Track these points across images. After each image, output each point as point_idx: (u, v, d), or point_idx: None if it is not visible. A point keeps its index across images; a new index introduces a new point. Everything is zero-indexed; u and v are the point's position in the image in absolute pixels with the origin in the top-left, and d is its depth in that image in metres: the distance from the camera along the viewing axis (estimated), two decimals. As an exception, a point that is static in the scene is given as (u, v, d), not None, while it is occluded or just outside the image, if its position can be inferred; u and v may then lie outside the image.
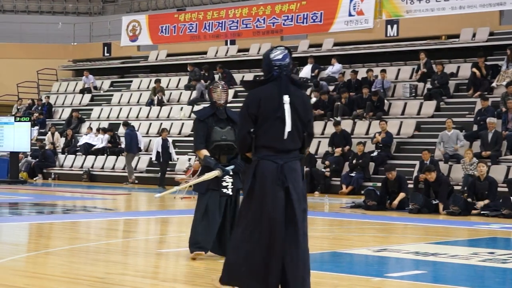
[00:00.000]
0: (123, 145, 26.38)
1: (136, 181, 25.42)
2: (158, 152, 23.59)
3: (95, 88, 33.15)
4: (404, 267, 8.85)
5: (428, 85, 23.94)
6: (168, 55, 32.66)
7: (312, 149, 22.21)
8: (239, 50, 30.24)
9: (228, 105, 9.06)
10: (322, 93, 24.82)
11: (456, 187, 17.62)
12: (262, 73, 6.46)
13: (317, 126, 24.26)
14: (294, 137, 6.22)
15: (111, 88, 33.12)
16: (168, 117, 28.68)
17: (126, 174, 25.73)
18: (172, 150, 23.78)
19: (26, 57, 35.01)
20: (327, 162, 22.04)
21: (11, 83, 34.13)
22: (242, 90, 25.94)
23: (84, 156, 27.96)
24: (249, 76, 27.88)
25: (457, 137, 20.49)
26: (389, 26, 26.27)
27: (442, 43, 25.81)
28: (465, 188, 16.47)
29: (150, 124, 28.60)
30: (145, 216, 15.17)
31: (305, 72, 26.83)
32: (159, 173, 23.94)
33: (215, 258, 8.65)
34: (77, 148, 28.60)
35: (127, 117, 29.57)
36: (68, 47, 36.21)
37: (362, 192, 18.87)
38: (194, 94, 28.79)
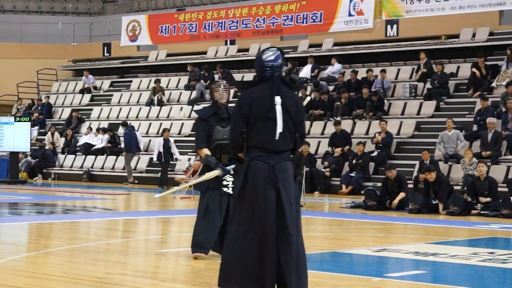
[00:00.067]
0: (123, 145, 26.37)
1: (136, 181, 25.42)
2: (159, 152, 23.56)
3: (95, 88, 33.15)
4: (404, 267, 8.86)
5: (428, 85, 23.94)
6: (168, 55, 32.66)
7: (312, 149, 22.21)
8: (239, 50, 30.24)
9: (230, 104, 9.07)
10: (322, 93, 24.82)
11: (456, 187, 17.61)
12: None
13: (317, 126, 24.29)
14: (286, 138, 6.24)
15: (111, 88, 33.13)
16: (168, 117, 28.68)
17: (125, 174, 25.73)
18: (174, 150, 23.72)
19: (26, 57, 35.01)
20: (326, 163, 22.05)
21: (11, 83, 34.12)
22: (242, 90, 25.90)
23: (84, 156, 27.96)
24: (249, 76, 27.86)
25: (457, 137, 20.49)
26: (389, 26, 26.27)
27: (442, 43, 25.81)
28: (465, 188, 16.46)
29: (150, 124, 28.60)
30: (145, 216, 15.17)
31: (305, 72, 26.83)
32: (160, 173, 23.92)
33: (215, 258, 8.64)
34: (77, 148, 28.60)
35: (127, 117, 29.58)
36: (68, 47, 36.22)
37: (362, 192, 18.87)
38: (194, 94, 28.79)
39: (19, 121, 25.96)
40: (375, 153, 21.77)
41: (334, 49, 27.89)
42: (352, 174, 21.37)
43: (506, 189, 17.12)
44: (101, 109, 31.19)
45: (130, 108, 30.22)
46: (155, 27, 30.06)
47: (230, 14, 27.95)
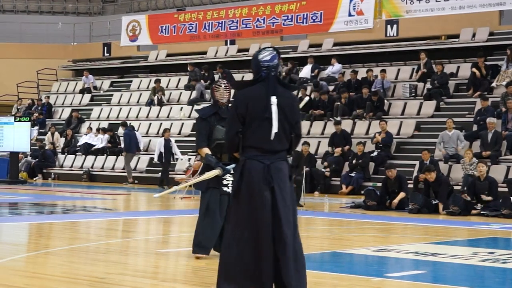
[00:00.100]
0: (123, 145, 26.38)
1: (136, 181, 25.42)
2: (160, 153, 23.53)
3: (95, 88, 33.15)
4: (404, 267, 8.86)
5: (428, 85, 23.94)
6: (168, 55, 32.66)
7: (312, 149, 22.21)
8: (239, 50, 30.24)
9: (230, 104, 9.07)
10: (322, 93, 24.83)
11: (456, 187, 17.61)
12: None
13: (317, 126, 24.29)
14: (281, 138, 6.26)
15: (111, 88, 33.13)
16: (168, 117, 28.68)
17: (125, 174, 25.74)
18: (176, 150, 23.69)
19: (26, 57, 35.02)
20: (325, 163, 22.05)
21: (11, 83, 34.13)
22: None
23: (84, 156, 27.96)
24: (249, 76, 27.82)
25: (457, 138, 20.48)
26: (389, 26, 26.27)
27: (442, 43, 25.82)
28: (465, 188, 16.46)
29: (150, 124, 28.60)
30: (145, 216, 15.17)
31: (305, 72, 26.83)
32: (160, 173, 23.90)
33: (216, 258, 8.62)
34: (77, 148, 28.61)
35: (127, 117, 29.58)
36: (68, 47, 36.22)
37: (362, 192, 18.87)
38: (194, 94, 28.79)
39: (19, 121, 25.96)
40: (375, 153, 21.77)
41: (334, 49, 27.90)
42: (352, 174, 21.37)
43: (506, 189, 17.12)
44: (101, 109, 31.19)
45: (130, 108, 30.22)
46: (155, 27, 30.07)
47: (230, 14, 27.96)
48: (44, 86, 35.04)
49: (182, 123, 27.59)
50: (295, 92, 26.39)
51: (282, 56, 28.19)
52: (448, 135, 20.61)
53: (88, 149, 27.98)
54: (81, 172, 27.20)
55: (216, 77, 28.13)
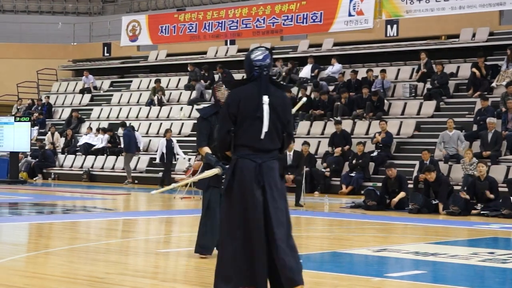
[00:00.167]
0: (122, 145, 26.38)
1: (136, 181, 25.42)
2: (162, 153, 23.48)
3: (95, 88, 33.15)
4: (404, 267, 8.86)
5: (428, 85, 23.94)
6: (168, 55, 32.66)
7: (312, 149, 22.21)
8: (239, 50, 30.23)
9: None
10: (322, 93, 24.83)
11: (456, 187, 17.60)
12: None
13: (317, 126, 24.29)
14: (273, 137, 6.30)
15: (111, 88, 33.13)
16: (168, 117, 28.68)
17: (126, 174, 25.75)
18: (178, 150, 23.65)
19: (26, 57, 35.02)
20: (324, 164, 22.04)
21: (11, 83, 34.13)
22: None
23: (84, 156, 27.96)
24: (249, 76, 27.83)
25: (458, 138, 20.48)
26: (389, 26, 26.27)
27: (442, 43, 25.81)
28: (465, 188, 16.46)
29: (150, 124, 28.60)
30: (144, 216, 15.17)
31: (305, 72, 26.83)
32: (162, 173, 23.83)
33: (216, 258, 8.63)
34: (77, 148, 28.61)
35: (127, 117, 29.59)
36: (68, 47, 36.22)
37: (362, 192, 18.87)
38: (194, 94, 28.79)
39: (19, 121, 25.96)
40: (375, 153, 21.77)
41: (334, 49, 27.89)
42: (352, 174, 21.37)
43: (506, 189, 17.11)
44: (101, 109, 31.19)
45: (130, 108, 30.22)
46: (155, 27, 30.07)
47: (230, 14, 27.96)
48: (44, 86, 35.04)
49: (182, 123, 27.59)
50: (295, 93, 26.53)
51: (282, 56, 28.54)
52: (449, 135, 20.60)
53: (88, 149, 27.98)
54: (81, 172, 27.20)
55: (216, 77, 28.15)
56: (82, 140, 28.71)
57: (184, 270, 8.39)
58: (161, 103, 29.35)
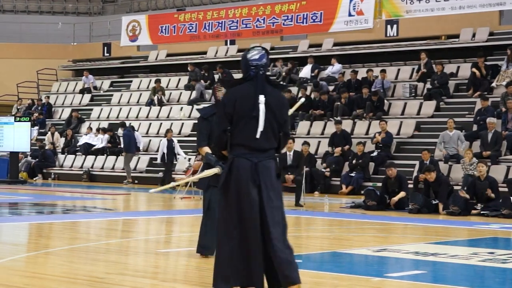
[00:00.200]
0: (122, 145, 26.37)
1: (136, 181, 25.42)
2: (163, 153, 23.45)
3: (95, 88, 33.15)
4: (404, 267, 8.86)
5: (428, 85, 23.94)
6: (168, 55, 32.66)
7: (312, 149, 22.21)
8: (239, 50, 30.21)
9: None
10: (322, 93, 24.83)
11: (456, 187, 17.60)
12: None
13: (317, 126, 24.29)
14: (269, 136, 6.32)
15: (111, 88, 33.13)
16: (168, 117, 28.68)
17: (125, 174, 25.76)
18: (178, 150, 23.63)
19: (26, 57, 35.01)
20: (324, 164, 22.03)
21: (11, 83, 34.13)
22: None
23: (84, 156, 27.96)
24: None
25: (458, 138, 20.47)
26: (388, 26, 26.27)
27: (442, 43, 25.81)
28: (465, 188, 16.47)
29: (150, 124, 28.60)
30: (144, 216, 15.17)
31: (305, 72, 26.83)
32: (163, 173, 23.79)
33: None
34: (77, 148, 28.61)
35: (127, 117, 29.59)
36: (68, 47, 36.22)
37: (362, 192, 18.87)
38: (194, 94, 28.78)
39: (19, 121, 25.96)
40: (375, 153, 21.77)
41: (334, 49, 27.89)
42: (352, 174, 21.37)
43: (506, 189, 17.11)
44: (101, 109, 31.19)
45: (130, 108, 30.22)
46: (155, 27, 30.07)
47: (230, 14, 27.96)
48: (44, 86, 35.04)
49: (182, 123, 27.59)
50: (295, 93, 26.52)
51: (282, 56, 28.54)
52: (449, 135, 20.60)
53: (88, 149, 27.98)
54: (81, 172, 27.20)
55: (216, 77, 28.13)
56: (82, 140, 28.71)
57: (184, 270, 8.40)
58: (161, 103, 29.35)
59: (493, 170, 18.62)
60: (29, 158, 28.30)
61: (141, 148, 26.73)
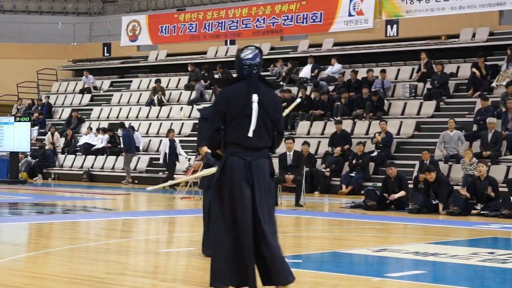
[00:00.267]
0: (122, 146, 26.37)
1: (136, 181, 25.42)
2: (165, 154, 23.42)
3: (95, 88, 33.16)
4: (404, 267, 8.86)
5: (428, 85, 23.94)
6: (168, 55, 32.66)
7: (312, 149, 22.21)
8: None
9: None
10: (322, 93, 24.83)
11: (456, 187, 17.60)
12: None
13: (317, 126, 24.29)
14: (263, 135, 6.34)
15: (111, 88, 33.13)
16: (168, 117, 28.68)
17: (125, 174, 25.76)
18: (180, 150, 23.60)
19: (26, 57, 35.01)
20: (323, 165, 22.02)
21: (11, 83, 34.13)
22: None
23: (84, 156, 27.96)
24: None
25: (458, 138, 20.47)
26: (388, 26, 26.27)
27: (442, 43, 25.81)
28: (465, 188, 16.46)
29: (150, 124, 28.60)
30: (144, 216, 15.17)
31: (305, 72, 26.83)
32: (167, 174, 23.70)
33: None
34: (77, 148, 28.61)
35: (127, 117, 29.59)
36: (68, 47, 36.22)
37: (362, 192, 18.87)
38: (194, 94, 28.78)
39: (19, 121, 25.96)
40: (375, 153, 21.77)
41: (334, 49, 27.89)
42: (352, 174, 21.37)
43: (506, 189, 17.11)
44: (101, 109, 31.19)
45: (130, 108, 30.23)
46: (155, 27, 30.08)
47: (230, 14, 27.96)
48: (44, 86, 35.04)
49: (182, 123, 27.59)
50: (295, 92, 26.49)
51: (282, 56, 28.54)
52: (449, 135, 20.59)
53: (88, 149, 27.99)
54: (81, 172, 27.20)
55: (216, 77, 28.13)
56: (82, 140, 28.71)
57: (184, 270, 8.40)
58: (161, 103, 29.35)
59: (493, 170, 18.62)
60: (29, 158, 28.31)
61: (141, 148, 26.74)
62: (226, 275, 6.25)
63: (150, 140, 27.49)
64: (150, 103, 29.74)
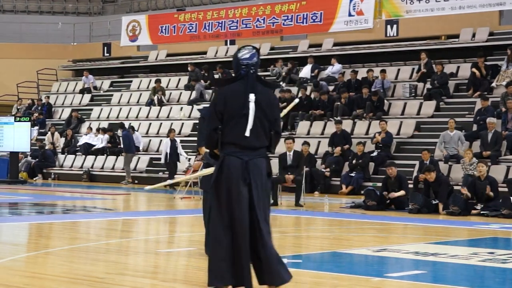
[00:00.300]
0: (122, 146, 26.36)
1: (136, 181, 25.41)
2: (167, 153, 23.41)
3: (95, 88, 33.15)
4: (404, 267, 8.85)
5: (428, 85, 23.94)
6: (168, 55, 32.66)
7: (312, 149, 22.21)
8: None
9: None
10: (322, 93, 24.83)
11: (456, 187, 17.60)
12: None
13: (317, 126, 24.29)
14: (260, 135, 6.36)
15: (111, 88, 33.13)
16: (168, 117, 28.68)
17: (125, 174, 25.77)
18: (181, 150, 23.61)
19: (26, 57, 35.01)
20: (322, 166, 22.02)
21: (11, 83, 34.13)
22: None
23: (84, 156, 27.96)
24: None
25: (459, 138, 20.46)
26: (388, 26, 26.26)
27: (442, 43, 25.81)
28: (460, 190, 16.47)
29: (150, 124, 28.60)
30: (144, 216, 15.17)
31: (305, 72, 26.83)
32: (168, 174, 23.68)
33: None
34: (77, 148, 28.61)
35: (127, 117, 29.59)
36: (68, 47, 36.22)
37: (362, 192, 18.87)
38: (194, 94, 28.77)
39: (19, 121, 25.96)
40: (375, 153, 21.77)
41: (334, 49, 27.89)
42: (352, 174, 21.37)
43: (506, 189, 17.11)
44: (101, 109, 31.19)
45: (130, 108, 30.23)
46: (155, 27, 30.07)
47: (230, 14, 27.96)
48: (44, 86, 35.04)
49: (182, 123, 27.59)
50: (295, 92, 26.49)
51: (282, 56, 28.54)
52: (450, 135, 20.59)
53: (88, 149, 27.99)
54: (81, 172, 27.20)
55: (216, 77, 28.13)
56: (82, 140, 28.71)
57: (184, 270, 8.40)
58: (161, 103, 29.35)
59: (493, 170, 18.61)
60: (29, 158, 28.31)
61: (141, 148, 26.74)
62: (226, 275, 6.27)
63: (150, 140, 27.50)
64: (150, 103, 29.74)
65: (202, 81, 28.82)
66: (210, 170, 8.21)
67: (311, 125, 24.42)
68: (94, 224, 13.43)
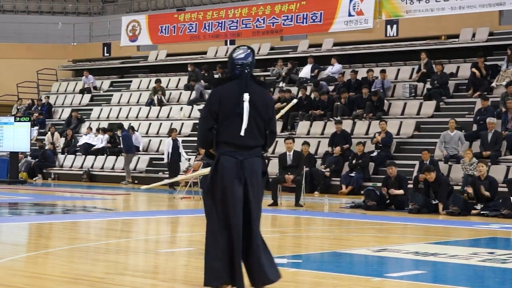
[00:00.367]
0: (122, 146, 26.36)
1: (136, 181, 25.41)
2: (168, 153, 23.37)
3: (95, 88, 33.16)
4: (404, 267, 8.86)
5: (428, 85, 23.94)
6: (168, 55, 32.66)
7: (312, 149, 22.21)
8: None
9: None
10: (322, 93, 24.84)
11: (456, 187, 17.60)
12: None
13: (317, 126, 24.30)
14: (254, 134, 6.39)
15: (111, 88, 33.13)
16: (168, 117, 28.68)
17: (125, 174, 25.77)
18: (181, 150, 23.59)
19: (26, 57, 35.01)
20: (322, 166, 22.02)
21: (11, 83, 34.13)
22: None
23: (83, 156, 27.96)
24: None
25: (459, 138, 20.46)
26: (388, 26, 26.26)
27: (441, 43, 25.81)
28: (465, 188, 16.47)
29: (150, 124, 28.60)
30: (144, 216, 15.17)
31: (305, 72, 26.83)
32: (169, 174, 23.66)
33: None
34: (77, 148, 28.61)
35: (127, 117, 29.59)
36: (68, 47, 36.22)
37: (362, 192, 18.87)
38: (194, 94, 28.77)
39: (19, 121, 25.95)
40: (375, 153, 21.77)
41: (334, 49, 27.89)
42: (352, 174, 21.37)
43: (506, 189, 17.11)
44: (101, 109, 31.19)
45: (130, 108, 30.23)
46: (155, 27, 30.07)
47: (230, 14, 27.96)
48: (44, 86, 35.04)
49: (182, 123, 27.59)
50: (295, 92, 26.50)
51: (282, 56, 28.53)
52: (450, 135, 20.59)
53: (88, 149, 27.99)
54: (81, 172, 27.20)
55: (216, 77, 28.11)
56: (82, 140, 28.72)
57: (184, 270, 8.40)
58: (161, 103, 29.35)
59: (493, 170, 18.61)
60: (29, 158, 28.31)
61: (141, 148, 26.74)
62: (223, 274, 6.30)
63: (150, 140, 27.49)
64: (150, 103, 29.74)
65: (202, 81, 28.82)
66: (208, 170, 8.24)
67: (311, 125, 24.42)
68: (94, 224, 13.43)
